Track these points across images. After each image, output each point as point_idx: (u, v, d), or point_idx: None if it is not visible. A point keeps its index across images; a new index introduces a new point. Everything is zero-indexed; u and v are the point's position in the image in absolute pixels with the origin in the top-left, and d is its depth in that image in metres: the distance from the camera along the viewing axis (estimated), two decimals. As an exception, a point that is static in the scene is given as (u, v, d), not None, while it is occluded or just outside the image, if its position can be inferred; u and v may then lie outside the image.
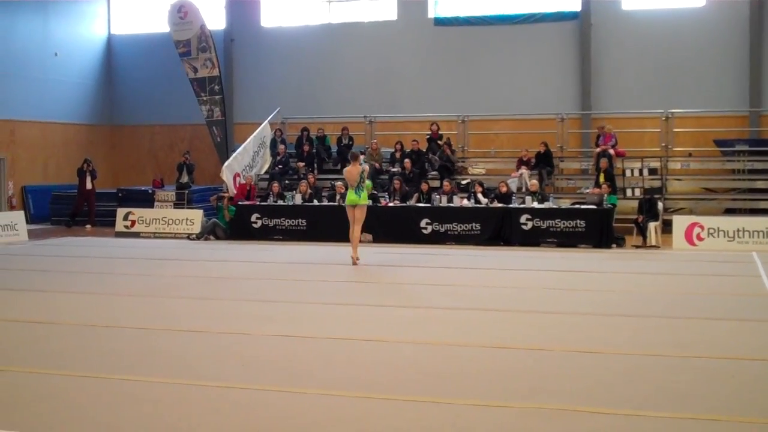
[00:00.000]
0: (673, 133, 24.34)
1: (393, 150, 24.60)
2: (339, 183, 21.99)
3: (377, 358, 8.43)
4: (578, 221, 19.24)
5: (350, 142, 25.72)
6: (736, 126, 25.75)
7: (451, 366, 8.08)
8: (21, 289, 13.11)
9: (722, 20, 25.83)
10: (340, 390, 7.13)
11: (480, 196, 20.69)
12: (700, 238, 18.86)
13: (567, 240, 19.21)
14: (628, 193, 21.81)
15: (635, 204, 20.43)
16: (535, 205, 19.79)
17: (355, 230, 15.85)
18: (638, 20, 26.66)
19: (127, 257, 17.73)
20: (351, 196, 15.81)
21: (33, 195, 27.84)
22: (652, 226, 19.11)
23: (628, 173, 22.23)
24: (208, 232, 21.51)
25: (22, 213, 23.12)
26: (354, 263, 15.66)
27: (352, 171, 15.80)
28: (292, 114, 27.76)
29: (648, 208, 19.44)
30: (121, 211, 23.21)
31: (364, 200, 15.99)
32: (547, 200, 20.13)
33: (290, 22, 29.93)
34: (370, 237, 20.21)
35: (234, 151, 24.83)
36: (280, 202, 21.55)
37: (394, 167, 23.73)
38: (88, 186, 25.44)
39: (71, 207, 25.85)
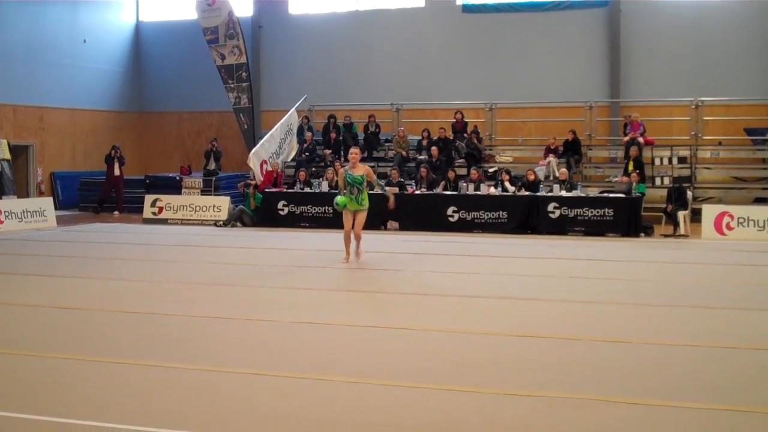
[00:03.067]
0: (703, 121, 24.14)
1: (420, 138, 24.55)
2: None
3: (403, 346, 8.41)
4: (606, 210, 19.13)
5: (377, 130, 25.71)
6: (767, 114, 25.46)
7: (477, 354, 8.04)
8: (48, 275, 13.19)
9: (753, 7, 25.54)
10: (366, 378, 7.12)
11: (507, 184, 20.62)
12: (729, 228, 18.69)
13: (595, 229, 19.10)
14: (657, 181, 21.71)
15: (664, 193, 20.30)
16: (563, 193, 19.68)
17: (356, 229, 14.16)
18: (668, 8, 26.42)
19: (155, 244, 17.81)
20: (348, 200, 14.10)
21: (61, 181, 28.03)
22: (681, 215, 18.97)
23: (657, 162, 22.15)
24: (235, 219, 21.56)
25: (50, 199, 23.26)
26: (347, 260, 14.21)
27: (359, 170, 14.18)
28: (319, 101, 27.74)
29: (677, 197, 19.29)
30: (148, 198, 23.33)
31: (366, 203, 14.20)
32: (575, 188, 20.01)
33: (318, 9, 29.90)
34: (396, 225, 20.20)
35: (261, 138, 24.85)
36: (307, 190, 21.57)
37: (421, 155, 23.68)
38: (116, 172, 25.56)
39: (99, 193, 26.00)
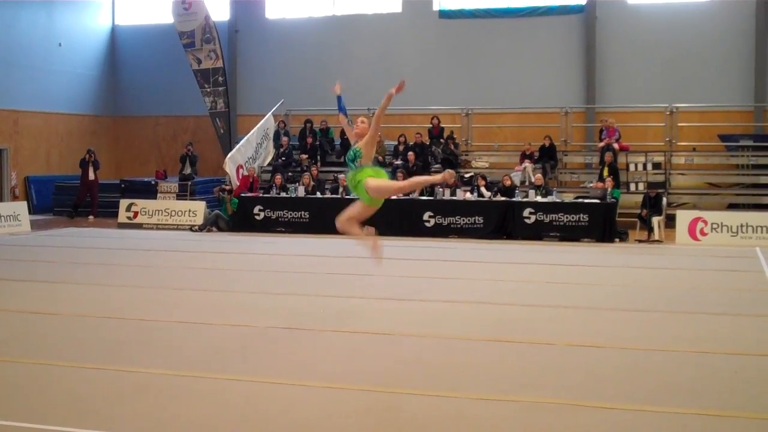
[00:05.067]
0: (678, 127, 24.33)
1: (396, 143, 24.56)
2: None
3: (380, 350, 8.42)
4: (581, 215, 19.22)
5: (354, 135, 25.69)
6: (741, 121, 25.67)
7: (453, 359, 8.06)
8: (23, 280, 13.10)
9: (728, 15, 25.75)
10: (342, 383, 7.12)
11: (483, 189, 20.68)
12: (703, 233, 18.83)
13: (570, 234, 19.19)
14: (632, 187, 21.85)
15: (639, 198, 20.42)
16: (539, 198, 19.77)
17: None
18: (644, 14, 26.59)
19: (130, 248, 17.72)
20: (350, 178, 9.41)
21: (36, 185, 27.82)
22: (655, 220, 19.09)
23: (631, 167, 22.31)
24: (211, 224, 21.51)
25: (24, 203, 23.08)
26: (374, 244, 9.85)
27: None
28: (296, 106, 27.73)
29: (653, 203, 19.39)
30: (123, 203, 23.20)
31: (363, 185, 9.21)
32: (551, 194, 20.10)
33: (295, 14, 29.86)
34: (372, 230, 20.17)
35: (237, 142, 24.81)
36: (283, 195, 21.54)
37: (397, 160, 23.70)
38: (91, 177, 25.40)
39: (74, 198, 25.83)
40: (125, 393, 6.81)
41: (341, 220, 9.41)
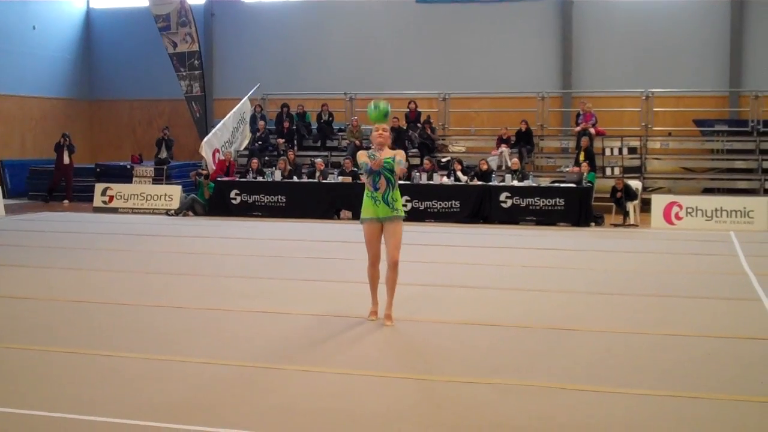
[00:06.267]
0: (653, 112, 24.42)
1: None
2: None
3: (358, 335, 8.42)
4: (557, 199, 19.30)
5: (330, 119, 25.69)
6: (716, 106, 25.85)
7: (429, 342, 8.08)
8: (-2, 264, 13.02)
9: (703, 0, 25.86)
10: (320, 366, 7.12)
11: (459, 173, 20.72)
12: (678, 218, 18.96)
13: (546, 218, 19.27)
14: (608, 172, 21.97)
15: (614, 183, 20.52)
16: (515, 183, 19.82)
17: (390, 252, 8.85)
18: (619, 0, 26.66)
19: (105, 233, 17.64)
20: (370, 202, 9.00)
21: (10, 170, 27.61)
22: (630, 205, 19.20)
23: (607, 152, 22.43)
24: (187, 208, 21.43)
25: (-2, 187, 22.96)
26: (373, 315, 9.06)
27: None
28: (273, 90, 27.64)
29: (625, 192, 19.44)
30: (99, 187, 23.08)
31: (401, 209, 8.97)
32: (527, 178, 20.16)
33: (271, -2, 29.77)
34: (349, 214, 20.19)
35: (213, 126, 24.71)
36: (260, 179, 21.50)
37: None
38: (66, 161, 25.23)
39: (49, 182, 25.66)
40: (102, 377, 6.76)
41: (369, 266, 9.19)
